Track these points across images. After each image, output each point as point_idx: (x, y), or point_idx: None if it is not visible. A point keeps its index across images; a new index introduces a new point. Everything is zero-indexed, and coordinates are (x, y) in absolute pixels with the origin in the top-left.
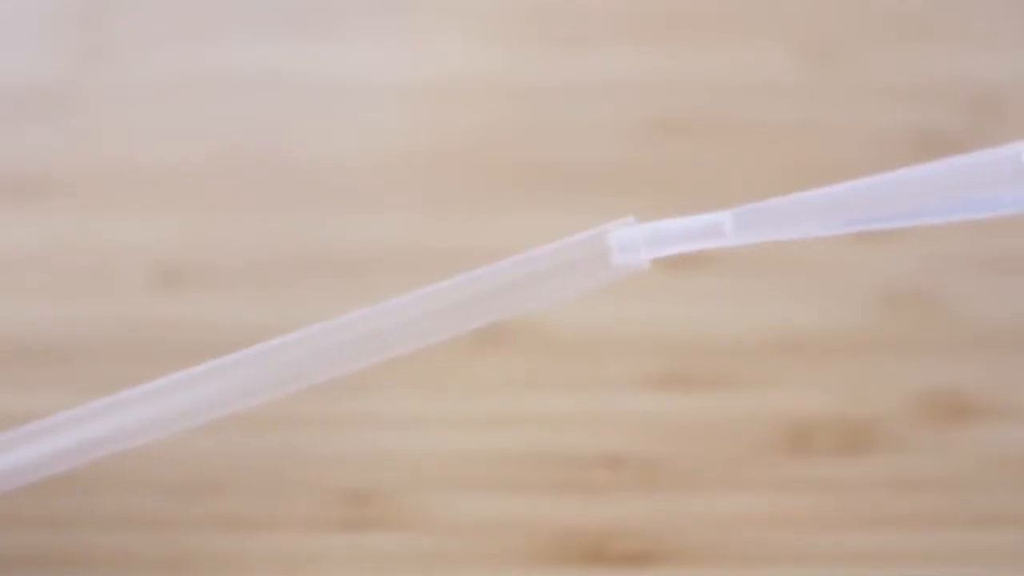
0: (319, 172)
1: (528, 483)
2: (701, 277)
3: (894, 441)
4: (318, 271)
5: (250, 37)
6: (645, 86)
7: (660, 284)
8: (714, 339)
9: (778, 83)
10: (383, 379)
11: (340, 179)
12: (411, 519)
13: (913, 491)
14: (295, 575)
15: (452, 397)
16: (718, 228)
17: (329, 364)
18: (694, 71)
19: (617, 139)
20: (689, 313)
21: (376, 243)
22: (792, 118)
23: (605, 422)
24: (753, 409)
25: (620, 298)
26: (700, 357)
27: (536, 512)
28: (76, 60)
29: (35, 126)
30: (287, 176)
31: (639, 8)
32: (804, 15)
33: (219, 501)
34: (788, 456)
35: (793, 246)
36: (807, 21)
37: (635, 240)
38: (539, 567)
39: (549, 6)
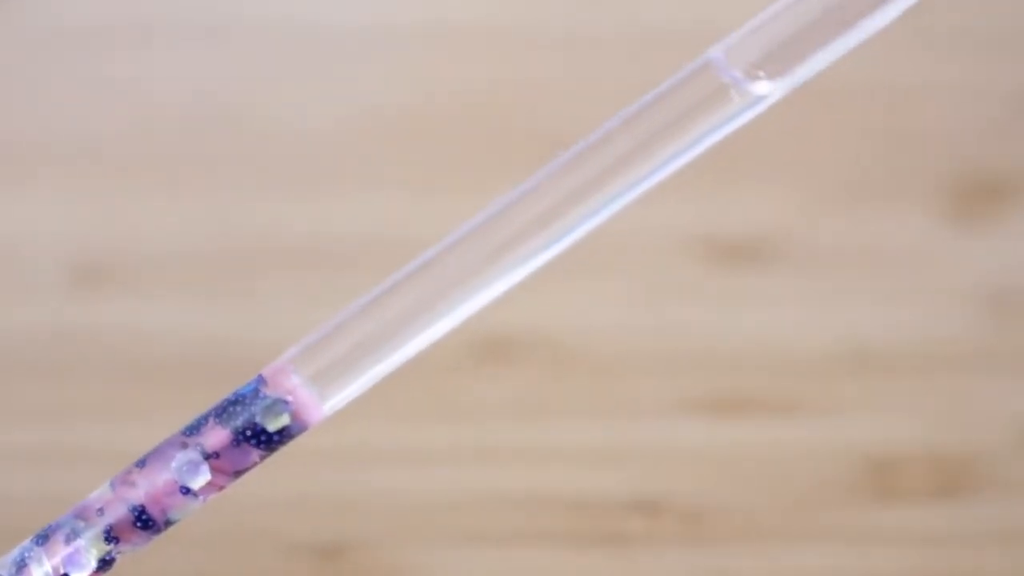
0: (275, 141)
1: (541, 534)
2: (758, 275)
3: (999, 482)
4: (274, 266)
5: None
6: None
7: (706, 283)
8: (774, 353)
9: None
10: (362, 402)
11: (302, 149)
12: None
13: (1022, 543)
14: None
15: (446, 425)
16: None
17: None
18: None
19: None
20: (742, 321)
21: (346, 231)
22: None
23: (637, 457)
24: (824, 441)
25: (655, 301)
26: (756, 376)
27: (552, 571)
28: None
29: None
30: (234, 146)
31: None
32: None
33: (170, 558)
34: (868, 500)
35: (875, 236)
36: None
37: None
38: None
39: None
